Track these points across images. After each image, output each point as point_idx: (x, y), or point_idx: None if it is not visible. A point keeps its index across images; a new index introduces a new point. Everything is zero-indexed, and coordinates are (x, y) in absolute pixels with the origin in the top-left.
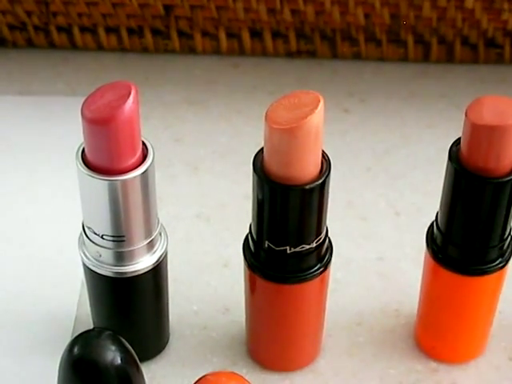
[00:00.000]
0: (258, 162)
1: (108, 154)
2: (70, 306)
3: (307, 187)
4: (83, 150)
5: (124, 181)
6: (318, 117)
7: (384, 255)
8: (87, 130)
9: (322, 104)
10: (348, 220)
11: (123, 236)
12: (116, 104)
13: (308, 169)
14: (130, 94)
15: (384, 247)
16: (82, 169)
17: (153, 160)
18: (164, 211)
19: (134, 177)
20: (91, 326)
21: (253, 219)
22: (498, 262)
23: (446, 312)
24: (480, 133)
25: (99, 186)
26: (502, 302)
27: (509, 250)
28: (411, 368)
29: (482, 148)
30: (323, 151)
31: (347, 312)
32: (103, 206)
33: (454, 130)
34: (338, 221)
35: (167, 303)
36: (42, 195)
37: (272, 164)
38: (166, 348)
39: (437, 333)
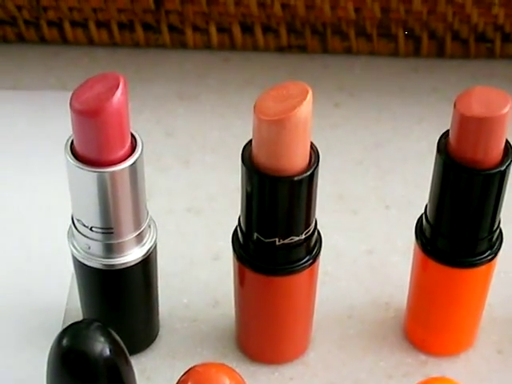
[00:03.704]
0: (247, 154)
1: (97, 146)
2: (60, 299)
3: (296, 179)
4: (72, 142)
5: (113, 172)
6: (306, 108)
7: (375, 248)
8: (76, 122)
9: (310, 95)
10: (339, 213)
11: (112, 228)
12: (105, 96)
13: (296, 160)
14: (118, 85)
15: (375, 240)
16: (70, 160)
17: (141, 152)
18: (155, 204)
19: (123, 169)
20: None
21: (242, 211)
22: (487, 254)
23: (436, 304)
24: (468, 124)
25: (88, 177)
26: (491, 294)
27: (498, 242)
28: (401, 361)
29: (470, 140)
30: (312, 143)
31: (337, 305)
32: (92, 198)
33: (445, 125)
34: (328, 214)
35: (157, 296)
36: (33, 189)
37: (260, 156)
38: (156, 341)
39: (426, 325)
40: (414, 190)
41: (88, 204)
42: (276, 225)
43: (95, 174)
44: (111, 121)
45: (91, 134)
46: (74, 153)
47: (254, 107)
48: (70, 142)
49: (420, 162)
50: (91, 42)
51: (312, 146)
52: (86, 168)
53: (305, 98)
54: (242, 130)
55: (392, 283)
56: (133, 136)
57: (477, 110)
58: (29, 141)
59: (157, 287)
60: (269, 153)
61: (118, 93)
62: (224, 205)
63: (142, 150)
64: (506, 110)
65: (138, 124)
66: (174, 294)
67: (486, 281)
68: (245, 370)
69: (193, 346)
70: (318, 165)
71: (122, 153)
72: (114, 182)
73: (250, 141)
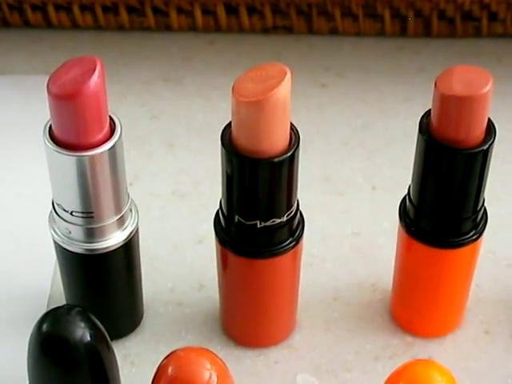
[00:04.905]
0: (227, 136)
1: (75, 130)
2: (44, 285)
3: (276, 160)
4: (50, 127)
5: (92, 156)
6: (284, 89)
7: (361, 230)
8: (53, 106)
9: (288, 76)
10: (325, 195)
11: (92, 212)
12: (81, 79)
13: (276, 142)
14: (95, 68)
15: (361, 222)
16: (49, 145)
17: (121, 135)
18: (139, 188)
19: (102, 152)
20: None
21: (222, 194)
22: (471, 234)
23: (421, 285)
24: (450, 103)
25: (67, 161)
26: (478, 275)
27: (482, 222)
28: (387, 342)
29: (452, 119)
30: (292, 124)
31: (323, 287)
32: (71, 182)
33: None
34: (314, 196)
35: (140, 280)
36: (16, 173)
37: (240, 137)
38: (141, 325)
39: (412, 307)
40: (401, 171)
41: (68, 188)
42: (257, 207)
43: (74, 158)
44: (88, 104)
45: (69, 118)
46: (53, 137)
47: (233, 89)
48: (48, 126)
49: (407, 142)
50: (75, 26)
51: (292, 127)
52: (65, 152)
53: (283, 79)
54: (228, 113)
55: (379, 265)
56: (111, 119)
57: (457, 89)
58: (12, 125)
59: (140, 271)
60: (248, 134)
61: (95, 76)
62: (208, 188)
63: (121, 132)
64: (487, 88)
65: (123, 107)
66: (158, 277)
67: (471, 261)
68: (230, 353)
69: (177, 330)
70: (298, 146)
71: (100, 136)
72: (93, 166)
73: (230, 123)
